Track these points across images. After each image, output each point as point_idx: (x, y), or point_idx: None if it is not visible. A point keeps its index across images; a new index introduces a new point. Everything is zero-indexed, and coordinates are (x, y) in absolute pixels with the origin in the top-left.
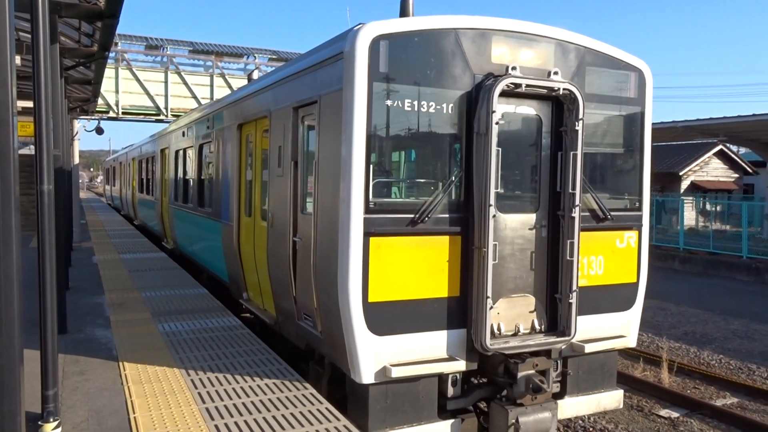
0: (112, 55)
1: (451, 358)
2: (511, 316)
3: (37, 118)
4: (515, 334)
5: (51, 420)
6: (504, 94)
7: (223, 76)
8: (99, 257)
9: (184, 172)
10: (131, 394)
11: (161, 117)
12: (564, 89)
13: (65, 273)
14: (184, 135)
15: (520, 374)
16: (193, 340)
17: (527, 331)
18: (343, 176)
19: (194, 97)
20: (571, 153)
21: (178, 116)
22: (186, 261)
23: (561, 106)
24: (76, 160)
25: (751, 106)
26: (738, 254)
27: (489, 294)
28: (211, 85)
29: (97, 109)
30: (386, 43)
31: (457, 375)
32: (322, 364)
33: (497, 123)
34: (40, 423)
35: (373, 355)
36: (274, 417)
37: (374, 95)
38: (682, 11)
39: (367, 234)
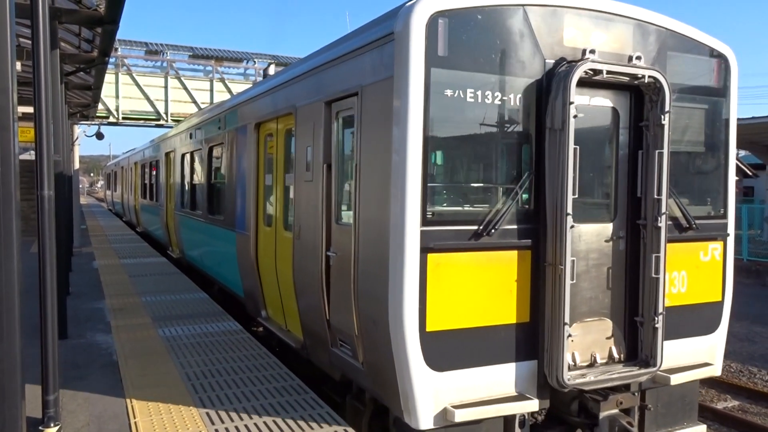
0: (112, 60)
1: (521, 396)
2: (586, 344)
3: (37, 124)
4: (591, 365)
5: (52, 425)
6: (578, 83)
7: (223, 80)
8: (99, 262)
9: (192, 177)
10: (131, 399)
11: (161, 122)
12: (649, 77)
13: (66, 278)
14: (191, 137)
15: (602, 414)
16: (194, 344)
17: (604, 360)
18: (394, 181)
19: (194, 101)
20: (656, 152)
21: (178, 121)
22: (193, 271)
23: (640, 97)
24: (77, 165)
25: (752, 108)
26: (738, 257)
27: (567, 320)
28: (211, 90)
29: (97, 115)
30: (445, 22)
31: (525, 415)
32: (361, 399)
33: (575, 116)
34: (41, 428)
35: (432, 395)
36: (274, 421)
37: (432, 84)
38: (683, 11)
39: (425, 250)
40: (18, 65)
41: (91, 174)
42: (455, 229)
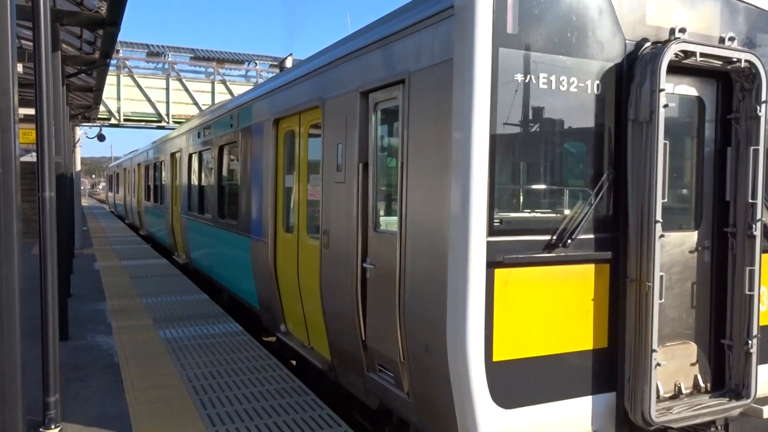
0: (113, 62)
1: None
2: (669, 372)
3: (38, 126)
4: (675, 396)
5: (52, 427)
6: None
7: (224, 82)
8: (100, 264)
9: (200, 179)
10: (133, 401)
11: (162, 123)
12: (745, 61)
13: (67, 279)
14: (199, 136)
15: None
16: (195, 346)
17: (689, 391)
18: (455, 182)
19: (195, 103)
20: (750, 148)
21: (179, 123)
22: (201, 278)
23: (728, 85)
24: (78, 166)
25: None
26: None
27: (654, 345)
28: (212, 92)
29: (98, 116)
30: None
31: None
32: None
33: (665, 106)
34: (41, 429)
35: None
36: (275, 423)
37: (500, 67)
38: None
39: (492, 264)
40: (19, 67)
41: (93, 176)
42: (525, 239)
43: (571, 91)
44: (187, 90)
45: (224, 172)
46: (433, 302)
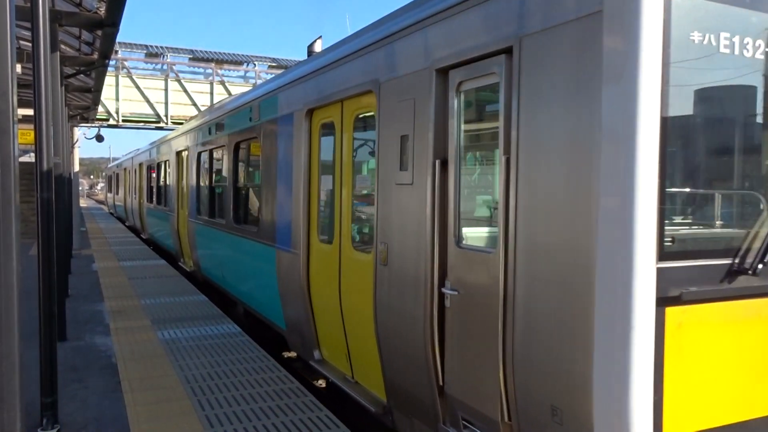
0: (112, 63)
1: None
2: None
3: (37, 126)
4: None
5: (50, 428)
6: None
7: (223, 83)
8: (99, 264)
9: (212, 179)
10: (131, 402)
11: (161, 124)
12: None
13: (65, 280)
14: (210, 133)
15: None
16: (193, 347)
17: None
18: (607, 184)
19: (194, 104)
20: None
21: (178, 123)
22: (211, 288)
23: None
24: (76, 167)
25: None
26: None
27: None
28: (211, 93)
29: (97, 117)
30: None
31: None
32: None
33: None
34: (39, 430)
35: None
36: (273, 424)
37: (673, 22)
38: None
39: (663, 301)
40: (18, 67)
41: (91, 176)
42: (701, 264)
43: (758, 57)
44: (185, 91)
45: (241, 172)
46: (566, 349)
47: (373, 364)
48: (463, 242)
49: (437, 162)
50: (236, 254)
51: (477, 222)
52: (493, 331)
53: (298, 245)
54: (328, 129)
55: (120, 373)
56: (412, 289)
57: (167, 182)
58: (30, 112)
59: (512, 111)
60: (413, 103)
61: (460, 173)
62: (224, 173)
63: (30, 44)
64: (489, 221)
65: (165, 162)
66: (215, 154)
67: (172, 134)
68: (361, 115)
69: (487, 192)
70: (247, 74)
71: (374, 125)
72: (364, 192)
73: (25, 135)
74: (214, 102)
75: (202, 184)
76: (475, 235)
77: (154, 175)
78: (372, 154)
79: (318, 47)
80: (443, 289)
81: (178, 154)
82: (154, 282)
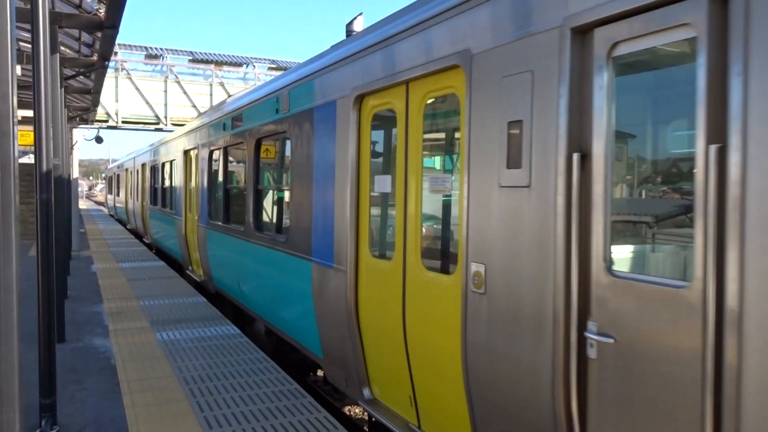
0: (111, 64)
1: None
2: None
3: (37, 128)
4: None
5: (49, 429)
6: None
7: (222, 85)
8: (98, 266)
9: (226, 181)
10: (129, 404)
11: (160, 126)
12: None
13: (64, 281)
14: (225, 129)
15: None
16: (192, 348)
17: None
18: None
19: (194, 105)
20: None
21: (177, 125)
22: (224, 301)
23: None
24: (76, 168)
25: None
26: None
27: None
28: (211, 94)
29: (96, 118)
30: None
31: None
32: None
33: None
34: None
35: None
36: (272, 426)
37: None
38: None
39: None
40: (18, 69)
41: (90, 177)
42: None
43: None
44: (185, 92)
45: (264, 173)
46: None
47: (458, 417)
48: (618, 271)
49: (575, 156)
50: (259, 266)
51: (640, 240)
52: (692, 412)
53: (343, 260)
54: (385, 118)
55: (119, 375)
56: (529, 328)
57: (173, 184)
58: (29, 113)
59: (731, 78)
60: (531, 77)
61: (609, 172)
62: (243, 173)
63: (30, 46)
64: (657, 240)
65: (171, 162)
66: (231, 152)
67: (178, 132)
68: (433, 99)
69: (662, 196)
70: (246, 76)
71: (454, 111)
72: (440, 196)
73: (24, 136)
74: (213, 103)
75: (215, 186)
76: (633, 258)
77: (158, 176)
78: (452, 147)
79: (358, 25)
80: (586, 333)
81: (186, 153)
82: (153, 283)
